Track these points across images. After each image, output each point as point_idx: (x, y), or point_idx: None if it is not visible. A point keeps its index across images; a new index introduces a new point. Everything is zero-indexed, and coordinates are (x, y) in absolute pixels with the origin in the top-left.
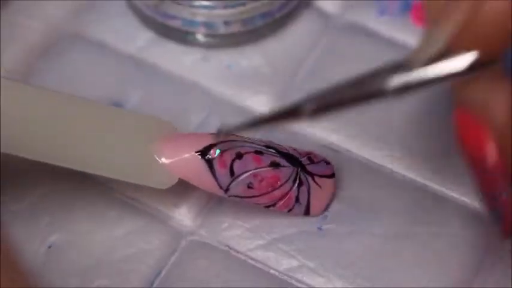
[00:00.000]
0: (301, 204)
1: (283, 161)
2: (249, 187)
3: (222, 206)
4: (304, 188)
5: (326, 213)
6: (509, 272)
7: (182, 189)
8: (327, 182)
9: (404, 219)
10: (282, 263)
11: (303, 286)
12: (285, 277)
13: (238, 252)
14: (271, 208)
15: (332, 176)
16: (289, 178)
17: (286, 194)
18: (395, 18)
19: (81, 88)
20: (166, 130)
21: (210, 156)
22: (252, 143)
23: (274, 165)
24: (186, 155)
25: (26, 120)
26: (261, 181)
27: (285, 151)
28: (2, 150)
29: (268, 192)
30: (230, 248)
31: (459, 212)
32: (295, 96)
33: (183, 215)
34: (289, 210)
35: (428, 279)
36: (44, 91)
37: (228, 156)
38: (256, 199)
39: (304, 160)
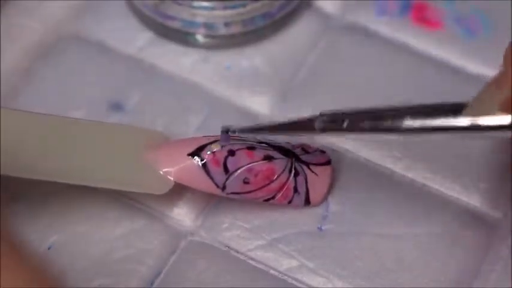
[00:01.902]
0: (300, 194)
1: (276, 154)
2: (245, 182)
3: (222, 207)
4: (301, 178)
5: (326, 213)
6: (509, 272)
7: (182, 189)
8: (324, 170)
9: (404, 219)
10: (282, 263)
11: (303, 286)
12: (285, 277)
13: (238, 252)
14: (271, 201)
15: (328, 163)
16: (284, 169)
17: (284, 185)
18: (395, 19)
19: (80, 89)
20: (158, 140)
21: (202, 157)
22: (243, 140)
23: (268, 158)
24: (180, 161)
25: (24, 143)
26: (256, 175)
27: (277, 144)
28: (2, 173)
29: (265, 186)
30: (230, 249)
31: (459, 212)
32: (294, 97)
33: (183, 216)
34: (289, 202)
35: (428, 279)
36: (38, 116)
37: (221, 154)
38: (254, 194)
39: (297, 151)
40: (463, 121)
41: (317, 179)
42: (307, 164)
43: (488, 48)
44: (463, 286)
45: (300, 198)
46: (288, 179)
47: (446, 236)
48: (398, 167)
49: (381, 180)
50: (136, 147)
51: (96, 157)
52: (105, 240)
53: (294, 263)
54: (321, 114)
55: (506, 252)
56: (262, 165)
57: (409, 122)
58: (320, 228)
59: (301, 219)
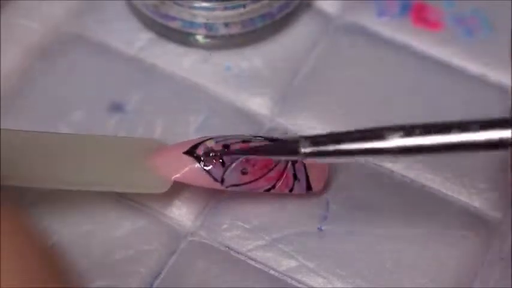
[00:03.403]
0: (301, 181)
1: None
2: (243, 173)
3: (221, 207)
4: (299, 165)
5: (326, 213)
6: (509, 272)
7: (181, 190)
8: None
9: (404, 219)
10: (281, 263)
11: (303, 286)
12: (285, 277)
13: (238, 252)
14: (272, 191)
15: None
16: None
17: (283, 172)
18: (395, 19)
19: (80, 89)
20: (154, 147)
21: (197, 153)
22: (238, 135)
23: None
24: (178, 161)
25: (24, 160)
26: (254, 165)
27: (274, 138)
28: (2, 183)
29: (264, 175)
30: (230, 249)
31: (459, 212)
32: (294, 97)
33: (183, 216)
34: (291, 190)
35: (428, 279)
36: (35, 134)
37: (216, 149)
38: (254, 184)
39: None
40: (454, 138)
41: (316, 165)
42: None
43: (488, 48)
44: (463, 286)
45: (300, 186)
46: (286, 166)
47: (446, 236)
48: (398, 167)
49: (381, 180)
50: (133, 155)
51: (93, 165)
52: (105, 241)
53: (294, 263)
54: (305, 138)
55: (506, 252)
56: None
57: (398, 141)
58: (320, 229)
59: (301, 219)
